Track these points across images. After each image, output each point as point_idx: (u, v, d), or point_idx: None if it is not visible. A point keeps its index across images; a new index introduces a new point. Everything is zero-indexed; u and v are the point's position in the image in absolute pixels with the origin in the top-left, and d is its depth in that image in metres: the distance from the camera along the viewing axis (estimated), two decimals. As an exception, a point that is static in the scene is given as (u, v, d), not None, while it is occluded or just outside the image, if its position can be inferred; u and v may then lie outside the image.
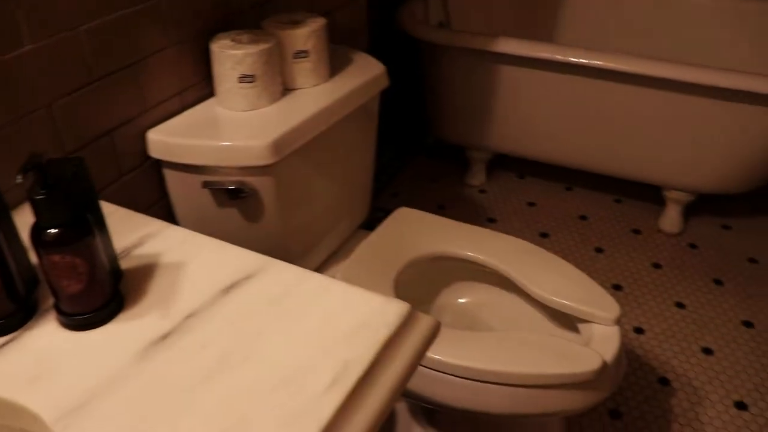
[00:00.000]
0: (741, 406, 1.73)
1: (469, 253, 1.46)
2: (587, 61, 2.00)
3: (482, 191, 2.53)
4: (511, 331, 1.27)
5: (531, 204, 2.45)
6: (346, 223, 1.54)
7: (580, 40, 2.71)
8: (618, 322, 1.31)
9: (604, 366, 1.20)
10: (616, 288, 2.08)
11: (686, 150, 2.10)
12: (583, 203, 2.45)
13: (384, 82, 1.47)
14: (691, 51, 2.59)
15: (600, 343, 1.27)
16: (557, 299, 1.35)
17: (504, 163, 2.64)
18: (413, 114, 2.65)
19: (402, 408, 1.55)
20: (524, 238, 2.27)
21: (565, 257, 2.20)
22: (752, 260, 2.22)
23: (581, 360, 1.18)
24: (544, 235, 2.29)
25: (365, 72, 1.43)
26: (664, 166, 2.17)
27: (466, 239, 1.49)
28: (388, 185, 2.54)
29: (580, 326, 1.35)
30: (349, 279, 1.38)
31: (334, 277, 1.40)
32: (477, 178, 2.56)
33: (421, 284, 1.54)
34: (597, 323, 1.32)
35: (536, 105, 2.20)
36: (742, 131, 2.00)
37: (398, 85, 2.46)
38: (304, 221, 1.35)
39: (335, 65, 1.44)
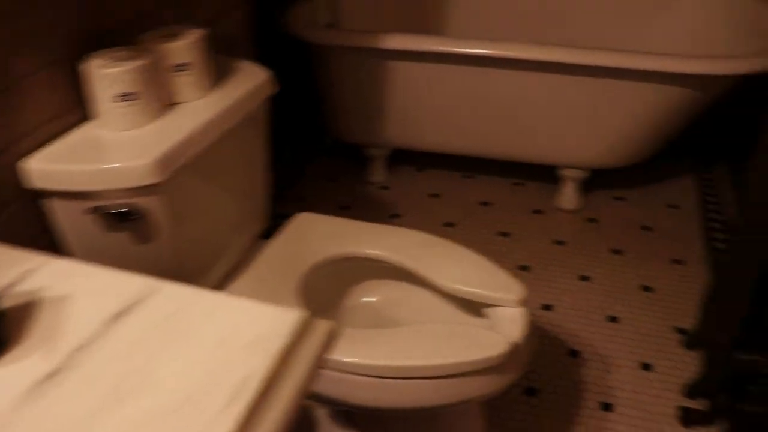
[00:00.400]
0: (647, 367, 1.81)
1: (371, 251, 1.47)
2: (473, 50, 2.05)
3: (384, 187, 2.54)
4: (416, 325, 1.27)
5: (434, 195, 2.48)
6: (245, 235, 1.52)
7: (473, 30, 2.77)
8: (523, 303, 1.33)
9: (512, 348, 1.22)
10: (523, 269, 2.13)
11: (578, 129, 2.17)
12: (484, 190, 2.50)
13: (270, 89, 1.45)
14: (578, 33, 2.68)
15: (507, 325, 1.30)
16: (462, 287, 1.37)
17: (404, 158, 2.67)
18: (310, 116, 2.63)
19: (322, 414, 1.54)
20: (429, 229, 2.30)
21: (471, 244, 2.23)
22: (645, 228, 2.32)
23: (488, 345, 1.21)
24: (449, 225, 2.33)
25: (250, 80, 1.41)
26: (559, 146, 2.24)
27: (366, 238, 1.49)
28: (290, 190, 2.52)
29: (488, 311, 1.37)
30: (247, 292, 1.36)
31: (233, 292, 1.38)
32: (378, 174, 2.57)
33: (329, 287, 1.54)
34: (503, 306, 1.34)
35: (429, 98, 2.23)
36: (628, 108, 2.08)
37: (294, 88, 2.45)
38: (199, 238, 1.32)
39: (219, 76, 1.41)
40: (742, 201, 2.08)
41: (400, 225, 2.29)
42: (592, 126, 2.15)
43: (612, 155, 2.23)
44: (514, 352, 1.24)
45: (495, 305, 1.35)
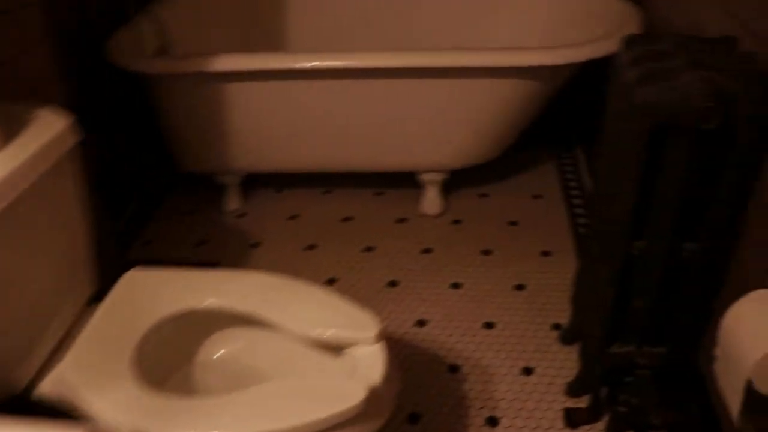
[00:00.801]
0: (528, 371, 1.74)
1: (213, 303, 1.32)
2: (309, 64, 1.92)
3: (241, 215, 2.38)
4: (262, 385, 1.14)
5: (293, 217, 2.34)
6: (71, 302, 1.33)
7: (316, 38, 2.63)
8: (380, 338, 1.22)
9: (370, 394, 1.10)
10: (392, 285, 2.03)
11: (430, 132, 2.09)
12: (345, 204, 2.38)
13: (72, 138, 1.27)
14: (423, 33, 2.60)
15: (366, 366, 1.19)
16: (314, 331, 1.25)
17: (259, 180, 2.50)
18: (155, 150, 2.42)
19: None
20: (291, 254, 2.16)
21: (335, 265, 2.11)
22: (512, 223, 2.27)
23: (342, 396, 1.08)
24: (311, 248, 2.19)
25: (47, 130, 1.23)
26: (413, 152, 2.15)
27: (206, 288, 1.34)
28: (139, 234, 2.31)
29: (347, 351, 1.25)
30: (76, 370, 1.19)
31: (63, 373, 1.20)
32: (233, 202, 2.41)
33: (173, 349, 1.37)
34: (360, 345, 1.22)
35: (272, 118, 2.09)
36: (476, 105, 2.02)
37: (133, 122, 2.24)
38: (15, 316, 1.13)
39: (13, 128, 1.22)
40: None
41: (261, 254, 2.14)
42: (444, 128, 2.07)
43: (468, 154, 2.16)
44: (373, 398, 1.12)
45: (352, 345, 1.23)
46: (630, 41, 1.36)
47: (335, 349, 1.28)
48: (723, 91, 1.17)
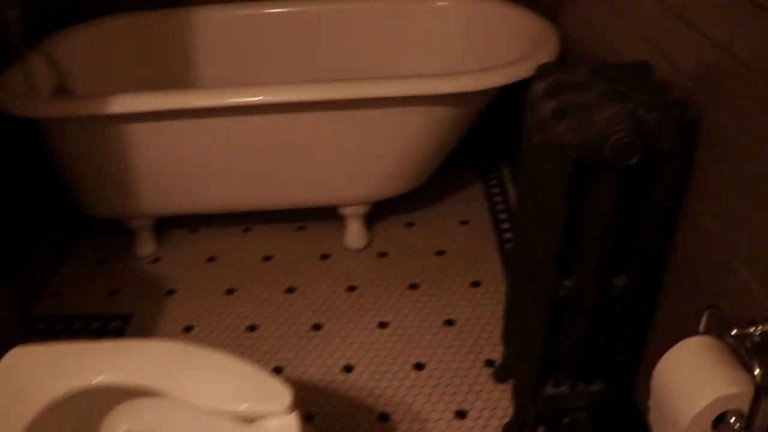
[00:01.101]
0: (462, 414, 1.66)
1: (105, 380, 1.18)
2: (209, 102, 1.80)
3: (156, 260, 2.23)
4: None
5: (211, 259, 2.21)
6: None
7: (223, 74, 2.51)
8: (293, 408, 1.11)
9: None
10: (316, 328, 1.92)
11: (349, 165, 1.99)
12: (265, 242, 2.26)
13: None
14: (333, 63, 2.51)
15: (279, 440, 1.07)
16: (220, 405, 1.13)
17: (175, 221, 2.36)
18: (62, 196, 2.25)
19: None
20: (209, 299, 2.03)
21: (256, 310, 1.99)
22: (440, 252, 2.19)
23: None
24: (230, 292, 2.07)
25: None
26: (333, 186, 2.05)
27: (98, 363, 1.21)
28: (46, 287, 2.14)
29: (258, 424, 1.13)
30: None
31: None
32: (146, 247, 2.26)
33: (72, 427, 1.23)
34: (272, 416, 1.11)
35: (178, 158, 1.96)
36: (399, 135, 1.94)
37: (33, 168, 2.08)
38: None
39: None
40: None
41: (177, 301, 2.01)
42: (363, 160, 1.98)
43: (390, 185, 2.08)
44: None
45: (263, 417, 1.12)
46: (543, 71, 1.29)
47: (245, 420, 1.16)
48: (642, 125, 1.11)
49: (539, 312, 1.35)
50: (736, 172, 1.06)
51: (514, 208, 1.40)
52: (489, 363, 1.79)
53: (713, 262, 1.16)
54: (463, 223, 2.33)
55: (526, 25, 2.16)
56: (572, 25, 1.98)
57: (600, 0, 1.68)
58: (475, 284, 2.06)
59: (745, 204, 1.04)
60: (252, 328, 1.92)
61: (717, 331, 0.97)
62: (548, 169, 1.16)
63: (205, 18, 2.41)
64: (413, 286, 2.06)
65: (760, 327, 0.91)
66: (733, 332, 0.92)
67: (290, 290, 2.06)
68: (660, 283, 1.36)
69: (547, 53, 1.91)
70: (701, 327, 1.02)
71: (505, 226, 2.29)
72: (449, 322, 1.93)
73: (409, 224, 2.33)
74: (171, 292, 2.08)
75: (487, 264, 2.13)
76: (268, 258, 2.20)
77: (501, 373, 1.73)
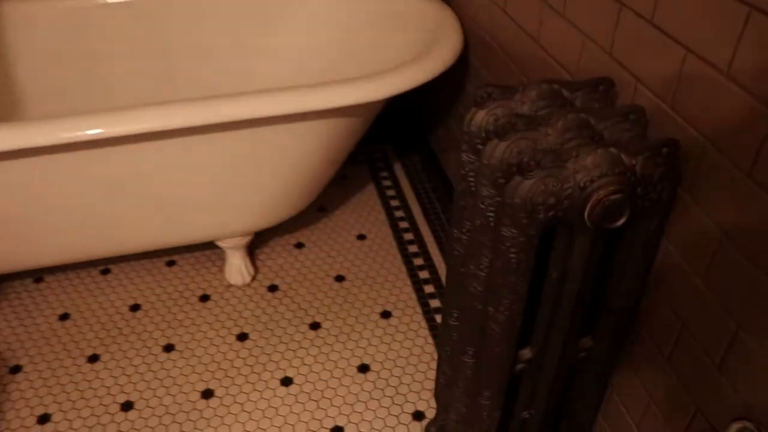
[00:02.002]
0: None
1: None
2: (28, 140, 1.38)
3: (-9, 323, 1.80)
4: None
5: (63, 317, 1.80)
6: None
7: (52, 85, 2.05)
8: None
9: None
10: (206, 396, 1.59)
11: (226, 195, 1.64)
12: (129, 285, 1.88)
13: None
14: (187, 69, 2.12)
15: None
16: None
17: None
18: None
19: None
20: (67, 374, 1.65)
21: (130, 380, 1.63)
22: (339, 278, 1.90)
23: None
24: (93, 359, 1.69)
25: None
26: (206, 220, 1.69)
27: None
28: None
29: None
30: None
31: None
32: (-24, 308, 1.81)
33: None
34: None
35: (6, 205, 1.53)
36: (284, 154, 1.60)
37: None
38: None
39: None
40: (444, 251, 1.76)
41: (24, 381, 1.61)
42: (242, 187, 1.63)
43: (278, 211, 1.75)
44: None
45: None
46: (482, 97, 1.01)
47: None
48: (629, 174, 0.85)
49: (493, 391, 1.09)
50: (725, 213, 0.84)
51: (446, 277, 1.12)
52: (417, 416, 1.54)
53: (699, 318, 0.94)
54: (360, 237, 2.05)
55: (416, 6, 1.87)
56: (471, 7, 1.71)
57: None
58: (386, 315, 1.79)
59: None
60: (127, 407, 1.56)
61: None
62: (507, 235, 0.89)
63: (18, 13, 1.94)
64: (314, 326, 1.76)
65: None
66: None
67: (168, 348, 1.71)
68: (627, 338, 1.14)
69: (450, 45, 1.63)
70: (730, 436, 0.80)
71: (408, 236, 2.04)
72: (363, 368, 1.66)
73: (299, 245, 2.02)
74: (16, 370, 1.67)
75: (394, 289, 1.86)
76: (135, 307, 1.82)
77: (434, 431, 1.48)
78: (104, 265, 1.95)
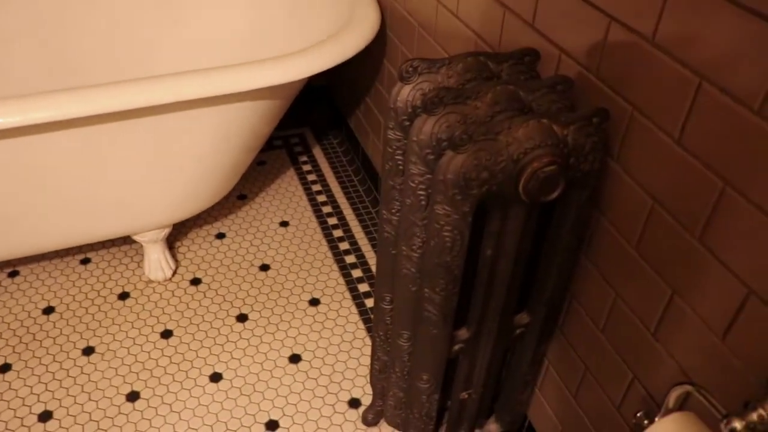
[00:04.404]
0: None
1: None
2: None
3: None
4: None
5: (-31, 324, 1.68)
6: None
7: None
8: None
9: None
10: (132, 398, 1.51)
11: (141, 185, 1.55)
12: (42, 287, 1.78)
13: None
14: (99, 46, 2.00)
15: None
16: None
17: None
18: None
19: None
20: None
21: (47, 389, 1.54)
22: (264, 267, 1.85)
23: None
24: (4, 369, 1.58)
25: None
26: (121, 213, 1.60)
27: None
28: None
29: None
30: None
31: None
32: None
33: None
34: None
35: None
36: (198, 140, 1.52)
37: None
38: None
39: None
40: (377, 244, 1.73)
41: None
42: (157, 176, 1.55)
43: (197, 200, 1.68)
44: None
45: None
46: (408, 71, 0.98)
47: None
48: (561, 145, 0.84)
49: (431, 373, 1.07)
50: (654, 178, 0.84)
51: (377, 260, 1.09)
52: (353, 403, 1.51)
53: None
54: (283, 224, 1.99)
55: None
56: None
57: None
58: (314, 303, 1.75)
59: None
60: (45, 417, 1.47)
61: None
62: (441, 213, 0.87)
63: None
64: (241, 318, 1.71)
65: (759, 412, 0.70)
66: (735, 424, 0.69)
67: (87, 351, 1.62)
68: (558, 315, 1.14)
69: (367, 22, 1.60)
70: (669, 405, 0.80)
71: (332, 221, 2.00)
72: (295, 358, 1.61)
73: (220, 235, 1.95)
74: None
75: (322, 275, 1.82)
76: (49, 310, 1.72)
77: (371, 418, 1.46)
78: (11, 267, 1.83)
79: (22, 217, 1.48)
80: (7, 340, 1.63)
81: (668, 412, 0.80)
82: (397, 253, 1.05)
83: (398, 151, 1.02)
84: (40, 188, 1.44)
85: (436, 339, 1.02)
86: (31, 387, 1.52)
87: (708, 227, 0.80)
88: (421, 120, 0.91)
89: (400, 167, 1.03)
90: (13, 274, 1.81)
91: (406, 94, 0.97)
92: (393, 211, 1.10)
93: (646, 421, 0.82)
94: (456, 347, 1.07)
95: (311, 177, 2.17)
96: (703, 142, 0.78)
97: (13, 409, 1.48)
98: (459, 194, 0.85)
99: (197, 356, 1.61)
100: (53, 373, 1.56)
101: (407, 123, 0.97)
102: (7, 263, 1.82)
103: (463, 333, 1.07)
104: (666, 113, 0.82)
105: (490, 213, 0.92)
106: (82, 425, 1.46)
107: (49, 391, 1.52)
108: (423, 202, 0.96)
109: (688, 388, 0.79)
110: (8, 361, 1.58)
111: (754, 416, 0.69)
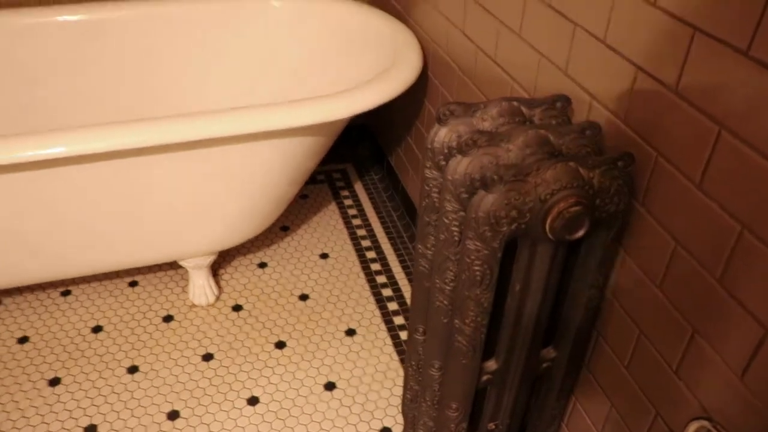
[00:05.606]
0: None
1: None
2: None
3: (-53, 349, 1.76)
4: None
5: (22, 340, 1.77)
6: None
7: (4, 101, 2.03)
8: None
9: None
10: (172, 417, 1.57)
11: (189, 214, 1.64)
12: (91, 307, 1.86)
13: None
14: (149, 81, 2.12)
15: None
16: None
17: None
18: None
19: None
20: (27, 399, 1.62)
21: (93, 404, 1.61)
22: (303, 297, 1.91)
23: None
24: (54, 383, 1.66)
25: None
26: (169, 240, 1.69)
27: None
28: None
29: None
30: None
31: None
32: (-69, 334, 1.77)
33: None
34: None
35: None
36: (248, 173, 1.61)
37: None
38: None
39: None
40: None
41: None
42: (205, 206, 1.64)
43: (242, 230, 1.76)
44: None
45: None
46: (445, 114, 1.05)
47: None
48: (587, 187, 0.89)
49: (460, 402, 1.11)
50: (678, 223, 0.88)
51: (412, 292, 1.15)
52: (384, 432, 1.55)
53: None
54: (323, 256, 2.06)
55: (375, 25, 1.91)
56: (430, 27, 1.75)
57: None
58: (351, 333, 1.80)
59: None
60: (90, 430, 1.55)
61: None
62: (472, 248, 0.92)
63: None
64: (280, 345, 1.77)
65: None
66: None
67: (132, 370, 1.69)
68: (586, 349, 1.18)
69: (410, 65, 1.67)
70: (688, 437, 0.83)
71: (370, 255, 2.06)
72: (330, 386, 1.66)
73: (262, 265, 2.02)
74: (-27, 393, 1.64)
75: (359, 307, 1.88)
76: (97, 329, 1.80)
77: (401, 446, 1.50)
78: (64, 287, 1.92)
79: (78, 240, 1.58)
80: (57, 355, 1.71)
81: (685, 445, 0.83)
82: (431, 286, 1.10)
83: (434, 189, 1.08)
84: (96, 214, 1.53)
85: (465, 369, 1.07)
86: (78, 401, 1.60)
87: (727, 269, 0.84)
88: (455, 160, 0.97)
89: (436, 204, 1.09)
90: (66, 293, 1.90)
91: (442, 135, 1.03)
92: (428, 245, 1.15)
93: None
94: (484, 378, 1.12)
95: (352, 211, 2.24)
96: (722, 187, 0.82)
97: (61, 421, 1.55)
98: (489, 231, 0.90)
99: (236, 379, 1.67)
100: (99, 388, 1.63)
101: (443, 163, 1.03)
102: (61, 283, 1.92)
103: (492, 364, 1.11)
104: (688, 159, 0.87)
105: (519, 249, 0.97)
106: (125, 440, 1.52)
107: (95, 405, 1.59)
108: (456, 238, 1.01)
109: (705, 423, 0.82)
110: (58, 375, 1.67)
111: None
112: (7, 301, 1.87)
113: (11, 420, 1.56)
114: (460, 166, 0.95)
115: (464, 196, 0.96)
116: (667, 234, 0.93)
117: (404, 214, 2.17)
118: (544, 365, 1.14)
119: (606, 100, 1.02)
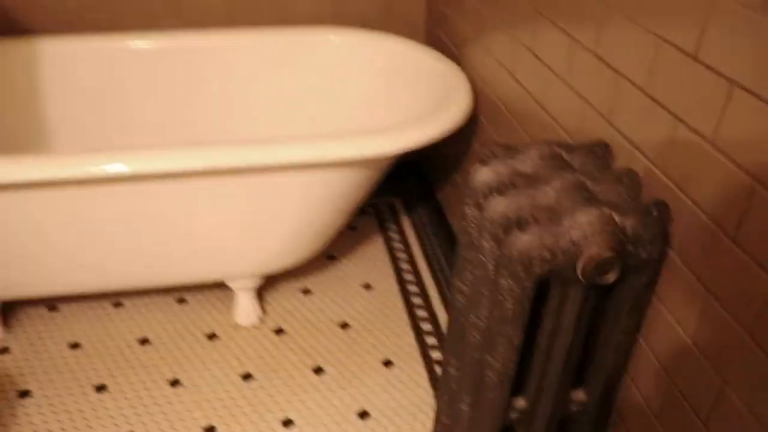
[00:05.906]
0: None
1: None
2: (56, 172, 1.46)
3: (3, 350, 1.85)
4: None
5: (74, 346, 1.85)
6: None
7: (80, 123, 2.15)
8: None
9: None
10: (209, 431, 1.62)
11: (239, 237, 1.70)
12: (140, 320, 1.93)
13: None
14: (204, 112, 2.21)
15: None
16: None
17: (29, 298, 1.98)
18: None
19: None
20: (74, 401, 1.70)
21: (135, 412, 1.67)
22: (344, 325, 1.95)
23: None
24: (101, 389, 1.73)
25: None
26: (218, 261, 1.75)
27: None
28: None
29: None
30: None
31: None
32: (-10, 334, 1.87)
33: None
34: None
35: (20, 233, 1.60)
36: (298, 201, 1.66)
37: None
38: None
39: None
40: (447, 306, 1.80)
41: (32, 406, 1.66)
42: (255, 231, 1.70)
43: (289, 257, 1.81)
44: None
45: None
46: (487, 155, 1.08)
47: None
48: (620, 233, 0.91)
49: (487, 416, 1.13)
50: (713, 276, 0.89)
51: (448, 326, 1.18)
52: (413, 464, 1.57)
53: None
54: (366, 287, 2.10)
55: (429, 64, 1.96)
56: (482, 69, 1.80)
57: (515, 42, 1.50)
58: (388, 364, 1.83)
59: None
60: (129, 439, 1.60)
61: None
62: (505, 285, 0.95)
63: (54, 50, 2.06)
64: (318, 371, 1.80)
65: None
66: None
67: (174, 382, 1.75)
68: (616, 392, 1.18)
69: (461, 104, 1.72)
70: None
71: (413, 289, 2.09)
72: (363, 415, 1.69)
73: (306, 291, 2.07)
74: (25, 394, 1.72)
75: (398, 339, 1.91)
76: (144, 341, 1.87)
77: (428, 479, 1.51)
78: (117, 298, 2.00)
79: (138, 255, 1.65)
80: (105, 363, 1.79)
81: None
82: (465, 321, 1.13)
83: (473, 227, 1.11)
84: (155, 232, 1.60)
85: (493, 403, 1.09)
86: (122, 408, 1.66)
87: (757, 322, 0.85)
88: (494, 200, 1.00)
89: (474, 241, 1.12)
90: (117, 305, 1.98)
91: (483, 175, 1.07)
92: (465, 281, 1.18)
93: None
94: (513, 415, 1.13)
95: (397, 245, 2.28)
96: (757, 241, 0.84)
97: (104, 427, 1.61)
98: (522, 270, 0.93)
99: (273, 401, 1.71)
100: (141, 398, 1.69)
101: (482, 201, 1.07)
102: (114, 294, 2.00)
103: (521, 402, 1.13)
104: (723, 212, 0.88)
105: (551, 290, 1.00)
106: (162, 451, 1.57)
107: (137, 414, 1.65)
108: (492, 275, 1.04)
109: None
110: (105, 382, 1.74)
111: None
112: (63, 307, 1.96)
113: (58, 420, 1.63)
114: (499, 206, 0.99)
115: (500, 235, 0.99)
116: (699, 284, 0.95)
117: (449, 251, 2.20)
118: (574, 408, 1.15)
119: (645, 149, 1.04)
